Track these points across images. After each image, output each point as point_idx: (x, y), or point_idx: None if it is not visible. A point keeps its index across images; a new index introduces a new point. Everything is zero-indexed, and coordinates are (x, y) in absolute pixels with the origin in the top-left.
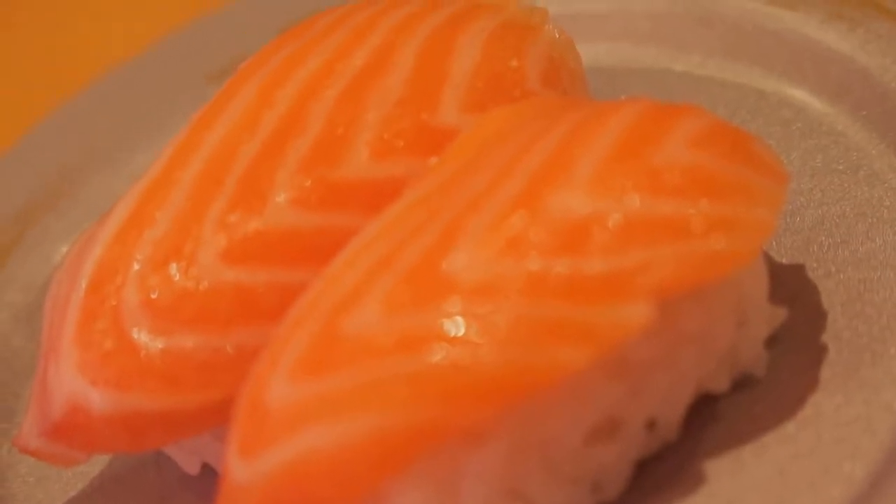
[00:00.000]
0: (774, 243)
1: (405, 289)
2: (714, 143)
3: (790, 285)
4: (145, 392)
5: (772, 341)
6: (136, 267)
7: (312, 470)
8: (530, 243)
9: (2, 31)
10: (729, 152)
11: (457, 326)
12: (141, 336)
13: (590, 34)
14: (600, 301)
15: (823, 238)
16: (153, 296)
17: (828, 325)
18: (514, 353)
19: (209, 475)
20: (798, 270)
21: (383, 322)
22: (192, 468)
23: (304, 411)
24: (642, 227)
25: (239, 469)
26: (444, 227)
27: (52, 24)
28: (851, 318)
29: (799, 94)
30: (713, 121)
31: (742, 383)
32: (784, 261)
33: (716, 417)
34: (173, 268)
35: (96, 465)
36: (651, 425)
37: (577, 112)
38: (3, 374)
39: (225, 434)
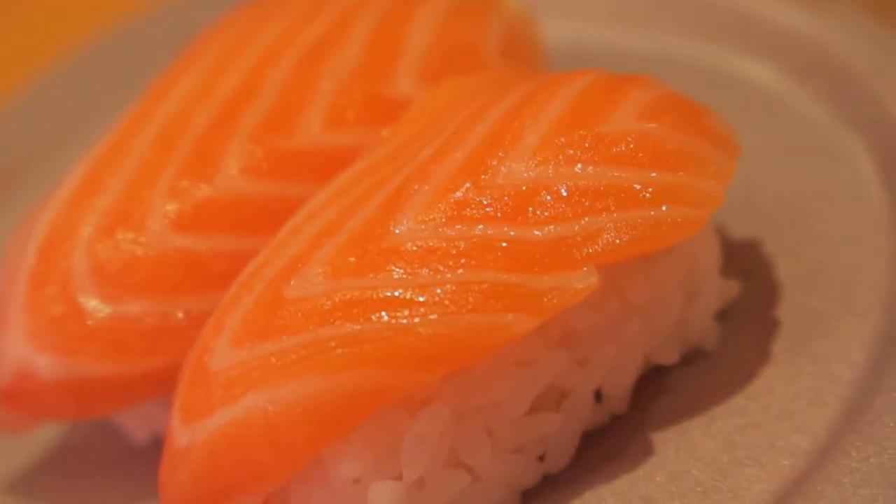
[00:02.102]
0: (731, 219)
1: (349, 254)
2: (664, 113)
3: (745, 260)
4: (92, 358)
5: (724, 315)
6: (85, 233)
7: (251, 434)
8: (475, 210)
9: None
10: (678, 122)
11: (399, 291)
12: (89, 302)
13: (553, 11)
14: (544, 268)
15: (781, 215)
16: (102, 261)
17: (781, 300)
18: (457, 318)
19: (160, 446)
20: (754, 246)
21: (326, 287)
22: (140, 437)
23: (243, 375)
24: (587, 195)
25: (181, 435)
26: (390, 194)
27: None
28: (805, 293)
29: (762, 74)
30: (664, 91)
31: (692, 356)
32: (740, 236)
33: (665, 390)
34: (122, 234)
35: (49, 435)
36: (598, 397)
37: (530, 82)
38: None
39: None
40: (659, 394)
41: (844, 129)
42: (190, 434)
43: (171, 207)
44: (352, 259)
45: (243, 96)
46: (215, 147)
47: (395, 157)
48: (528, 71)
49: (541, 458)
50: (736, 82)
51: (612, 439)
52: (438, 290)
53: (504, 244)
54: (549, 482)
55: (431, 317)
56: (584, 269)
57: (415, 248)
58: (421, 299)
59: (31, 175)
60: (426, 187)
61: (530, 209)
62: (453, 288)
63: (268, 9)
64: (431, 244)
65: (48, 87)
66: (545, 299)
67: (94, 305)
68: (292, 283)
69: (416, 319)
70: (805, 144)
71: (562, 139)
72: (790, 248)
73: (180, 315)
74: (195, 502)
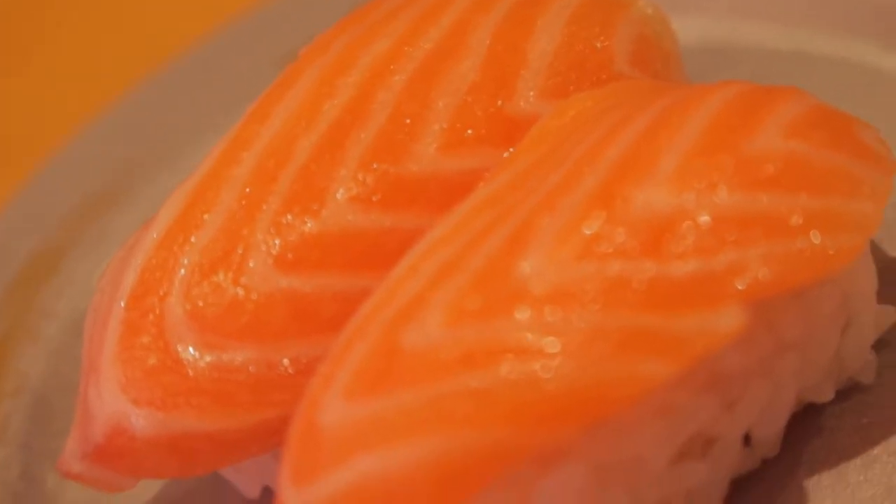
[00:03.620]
0: (885, 237)
1: (471, 297)
2: (812, 131)
3: None
4: (193, 412)
5: (881, 344)
6: (181, 275)
7: (366, 500)
8: (608, 246)
9: (60, 22)
10: (829, 140)
11: (528, 338)
12: (187, 351)
13: (688, 9)
14: (687, 308)
15: None
16: (200, 307)
17: None
18: (592, 366)
19: (270, 499)
20: None
21: (447, 334)
22: (251, 492)
23: (359, 434)
24: (732, 224)
25: (291, 497)
26: (515, 228)
27: (113, 12)
28: None
29: None
30: (812, 105)
31: (848, 391)
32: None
33: (819, 429)
34: (222, 276)
35: (149, 489)
36: (747, 440)
37: (664, 98)
38: (57, 392)
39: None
40: (812, 434)
41: None
42: (301, 498)
43: (274, 245)
44: (473, 303)
45: (351, 118)
46: (321, 176)
47: (519, 184)
48: (660, 83)
49: None
50: (891, 82)
51: (762, 485)
52: (570, 337)
53: (641, 283)
54: None
55: (563, 367)
56: (733, 307)
57: (542, 289)
58: (551, 348)
59: (123, 199)
60: (554, 220)
61: (669, 243)
62: (586, 334)
63: (376, 17)
64: (561, 285)
65: (148, 98)
66: (688, 343)
67: (193, 355)
68: (409, 329)
69: (546, 371)
70: None
71: (701, 163)
72: None
73: (287, 363)
74: None
